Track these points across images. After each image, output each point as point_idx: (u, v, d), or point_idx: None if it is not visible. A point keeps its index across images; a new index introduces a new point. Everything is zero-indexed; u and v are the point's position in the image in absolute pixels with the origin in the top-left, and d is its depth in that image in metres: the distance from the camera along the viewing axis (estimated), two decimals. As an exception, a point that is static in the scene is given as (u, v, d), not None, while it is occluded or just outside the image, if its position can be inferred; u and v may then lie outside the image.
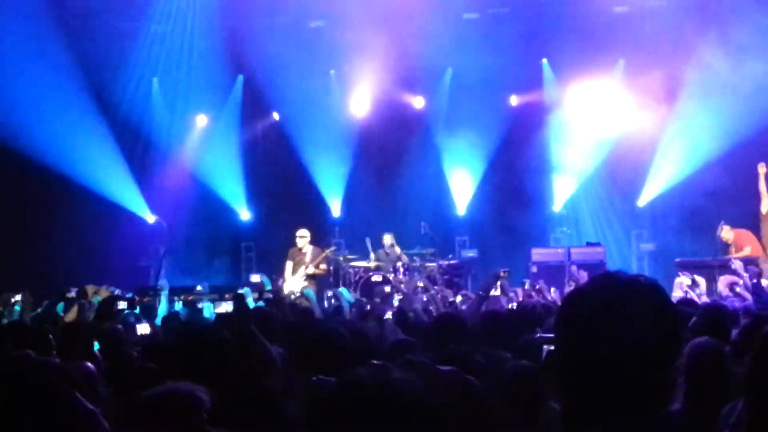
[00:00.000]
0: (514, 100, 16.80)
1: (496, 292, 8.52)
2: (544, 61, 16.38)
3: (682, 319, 4.82)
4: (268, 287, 12.22)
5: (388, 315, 7.96)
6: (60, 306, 8.95)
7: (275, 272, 14.46)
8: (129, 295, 11.65)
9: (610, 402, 1.74)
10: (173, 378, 3.35)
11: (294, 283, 14.04)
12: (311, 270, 14.20)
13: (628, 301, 1.77)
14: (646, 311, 1.76)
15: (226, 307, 9.14)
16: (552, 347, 3.23)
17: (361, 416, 1.41)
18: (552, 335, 3.44)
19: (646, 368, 1.74)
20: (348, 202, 16.91)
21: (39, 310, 8.31)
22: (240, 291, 9.57)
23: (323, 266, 14.42)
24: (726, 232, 13.36)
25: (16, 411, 2.53)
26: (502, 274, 8.62)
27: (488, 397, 1.91)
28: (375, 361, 1.53)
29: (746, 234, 13.35)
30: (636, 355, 1.73)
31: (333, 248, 14.84)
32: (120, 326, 6.77)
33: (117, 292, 11.37)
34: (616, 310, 1.76)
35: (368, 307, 9.02)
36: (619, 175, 15.79)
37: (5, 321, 8.49)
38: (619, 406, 1.74)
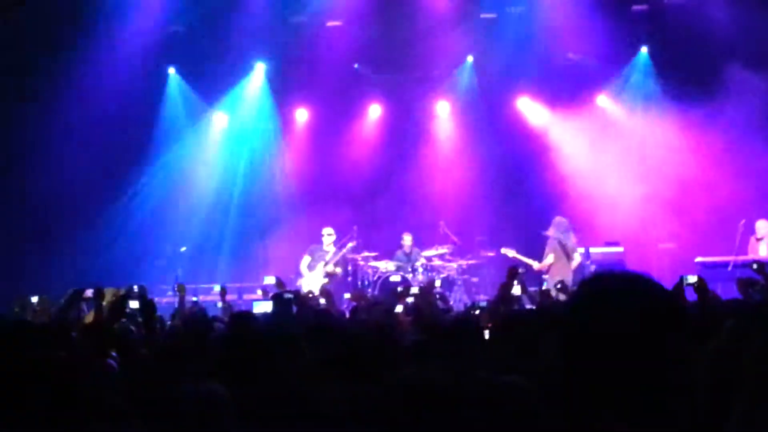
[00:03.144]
0: (528, 99, 16.83)
1: (516, 291, 8.33)
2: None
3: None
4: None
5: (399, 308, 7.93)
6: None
7: (292, 273, 14.45)
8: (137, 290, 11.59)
9: (612, 401, 1.74)
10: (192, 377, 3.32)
11: (313, 280, 13.99)
12: (330, 268, 14.19)
13: (616, 300, 1.78)
14: (635, 309, 1.76)
15: (264, 307, 8.98)
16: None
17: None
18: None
19: (641, 368, 1.73)
20: (366, 201, 16.78)
21: (62, 301, 8.27)
22: (279, 292, 9.43)
23: (339, 269, 14.41)
24: (764, 225, 13.17)
25: (52, 410, 2.66)
26: (519, 270, 8.46)
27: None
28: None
29: None
30: (631, 355, 1.73)
31: (352, 243, 14.77)
32: (132, 327, 6.74)
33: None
34: (606, 312, 1.77)
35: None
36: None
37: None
38: (621, 405, 1.73)
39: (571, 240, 13.78)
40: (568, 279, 12.82)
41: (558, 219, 13.89)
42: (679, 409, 1.75)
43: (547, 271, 13.57)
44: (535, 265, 13.89)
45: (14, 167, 15.04)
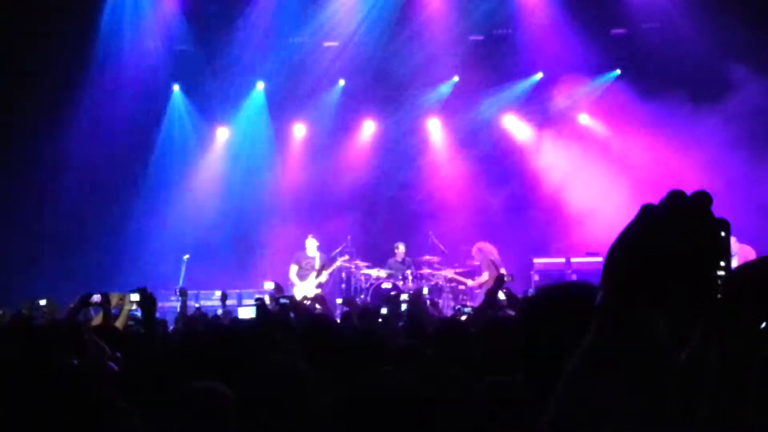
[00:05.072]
0: (512, 116, 17.48)
1: (501, 297, 7.96)
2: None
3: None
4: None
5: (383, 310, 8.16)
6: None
7: (289, 280, 14.81)
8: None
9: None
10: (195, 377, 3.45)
11: (306, 288, 14.34)
12: (323, 278, 14.56)
13: (558, 311, 1.90)
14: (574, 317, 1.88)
15: (247, 312, 9.13)
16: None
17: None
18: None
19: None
20: (360, 211, 17.26)
21: (72, 305, 8.59)
22: (259, 296, 9.69)
23: (326, 275, 14.84)
24: (731, 242, 13.28)
25: (62, 412, 2.78)
26: (505, 278, 8.43)
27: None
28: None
29: (749, 250, 13.35)
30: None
31: (346, 257, 15.21)
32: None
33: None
34: (550, 321, 1.90)
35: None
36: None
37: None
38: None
39: (496, 257, 14.39)
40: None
41: (479, 246, 14.45)
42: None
43: (480, 287, 14.20)
44: (469, 282, 15.00)
45: (29, 177, 15.59)
